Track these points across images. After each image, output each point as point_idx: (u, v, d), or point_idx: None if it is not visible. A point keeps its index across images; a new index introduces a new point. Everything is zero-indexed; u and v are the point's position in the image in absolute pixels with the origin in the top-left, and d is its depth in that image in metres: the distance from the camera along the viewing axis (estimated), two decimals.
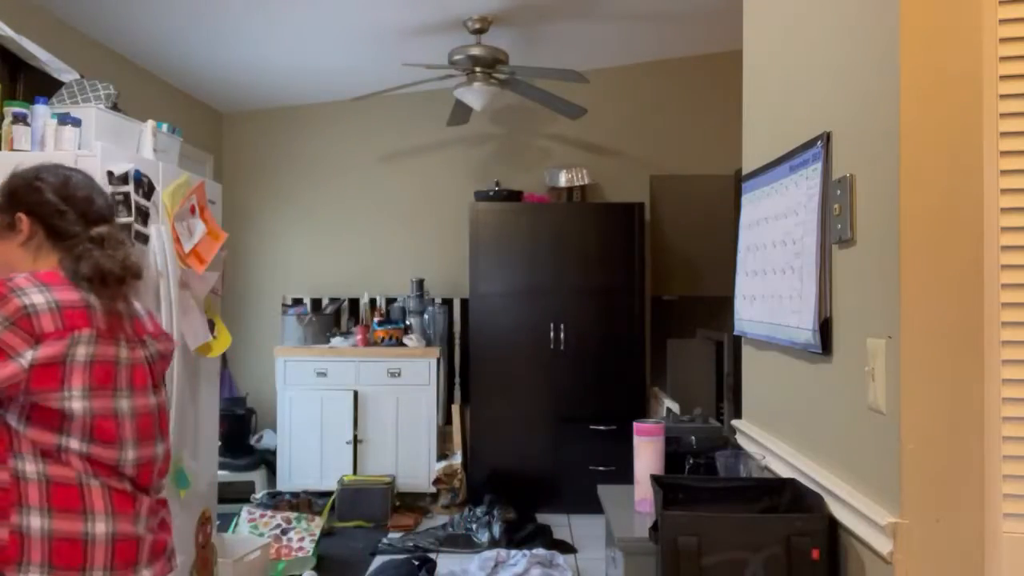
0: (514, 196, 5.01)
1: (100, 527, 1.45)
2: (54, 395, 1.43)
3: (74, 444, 1.45)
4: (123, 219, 2.41)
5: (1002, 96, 1.30)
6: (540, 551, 3.80)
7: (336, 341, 5.03)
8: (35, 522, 1.41)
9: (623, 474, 4.52)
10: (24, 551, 1.40)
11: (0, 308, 1.41)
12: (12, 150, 2.38)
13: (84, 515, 1.44)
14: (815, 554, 1.47)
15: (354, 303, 5.47)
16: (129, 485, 1.53)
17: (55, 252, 1.57)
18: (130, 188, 2.44)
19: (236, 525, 3.87)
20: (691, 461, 2.05)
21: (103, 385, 1.49)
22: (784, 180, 1.90)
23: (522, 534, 4.20)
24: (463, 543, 4.16)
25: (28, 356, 1.40)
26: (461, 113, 4.81)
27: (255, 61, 4.59)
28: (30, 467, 1.43)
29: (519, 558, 3.70)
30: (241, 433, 4.96)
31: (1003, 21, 1.30)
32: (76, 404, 1.44)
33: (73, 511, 1.43)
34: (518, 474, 4.82)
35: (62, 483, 1.43)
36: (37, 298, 1.43)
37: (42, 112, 2.46)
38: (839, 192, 1.56)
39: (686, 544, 1.49)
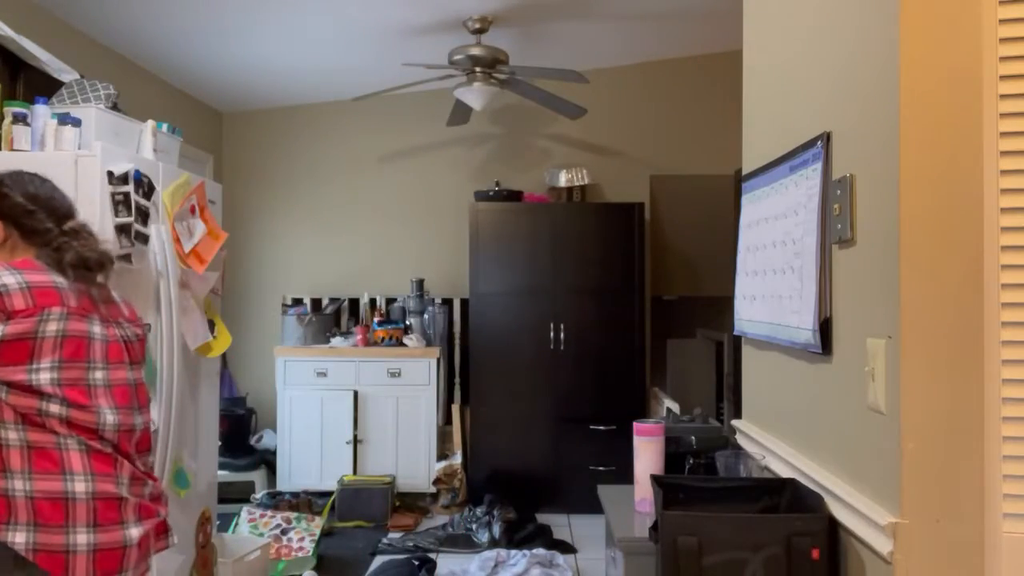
0: (514, 196, 5.01)
1: (80, 486, 1.56)
2: (22, 368, 1.54)
3: (54, 408, 1.56)
4: (123, 219, 2.42)
5: (1002, 96, 1.30)
6: (540, 551, 3.80)
7: (336, 341, 5.03)
8: (18, 484, 1.52)
9: (623, 474, 4.53)
10: (11, 511, 1.51)
11: None
12: (12, 150, 2.38)
13: (63, 475, 1.55)
14: (815, 554, 1.47)
15: (354, 303, 5.47)
16: (110, 448, 1.64)
17: (30, 249, 1.70)
18: (130, 188, 2.44)
19: (236, 525, 3.87)
20: (691, 461, 2.05)
21: (75, 358, 1.61)
22: (784, 180, 1.90)
23: (522, 534, 4.20)
24: (463, 543, 4.16)
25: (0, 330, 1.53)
26: (461, 113, 4.81)
27: (255, 61, 4.59)
28: (12, 434, 1.54)
29: (519, 558, 3.71)
30: (241, 433, 4.96)
31: (1003, 21, 1.30)
32: (43, 376, 1.56)
33: (52, 472, 1.54)
34: (518, 474, 4.82)
35: (41, 447, 1.54)
36: (8, 279, 1.56)
37: (42, 112, 2.46)
38: (839, 192, 1.56)
39: (686, 544, 1.49)
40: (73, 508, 1.54)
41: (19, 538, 1.49)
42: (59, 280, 1.64)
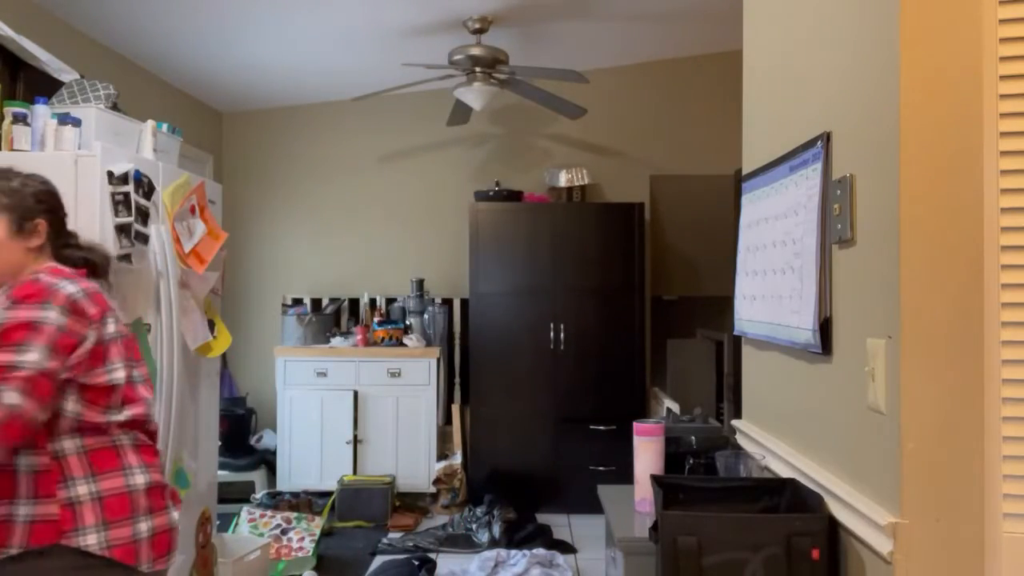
0: (514, 196, 5.01)
1: (140, 478, 1.61)
2: (101, 370, 1.58)
3: (116, 407, 1.61)
4: (123, 219, 2.42)
5: (1002, 96, 1.30)
6: (540, 551, 3.80)
7: (336, 341, 5.03)
8: (82, 489, 1.53)
9: (623, 474, 4.53)
10: (77, 518, 1.52)
11: (52, 300, 1.51)
12: (12, 150, 2.38)
13: (124, 471, 1.59)
14: (815, 554, 1.47)
15: (354, 303, 5.47)
16: (150, 439, 1.70)
17: (51, 252, 1.70)
18: (130, 188, 2.44)
19: (236, 525, 3.87)
20: (691, 461, 2.05)
21: (127, 356, 1.66)
22: (784, 180, 1.90)
23: (522, 534, 4.20)
24: (463, 543, 4.16)
25: (92, 338, 1.56)
26: (461, 113, 4.81)
27: (255, 61, 4.59)
28: (68, 444, 1.55)
29: (519, 558, 3.71)
30: (241, 433, 4.96)
31: (1003, 21, 1.30)
32: (117, 375, 1.60)
33: (115, 470, 1.57)
34: (518, 474, 4.82)
35: (99, 448, 1.57)
36: (72, 288, 1.57)
37: (42, 112, 2.46)
38: (839, 192, 1.56)
39: (686, 544, 1.49)
40: (136, 500, 1.59)
41: (91, 540, 1.52)
42: (97, 284, 1.68)
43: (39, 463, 1.52)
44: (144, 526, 1.60)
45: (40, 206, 1.67)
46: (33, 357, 1.45)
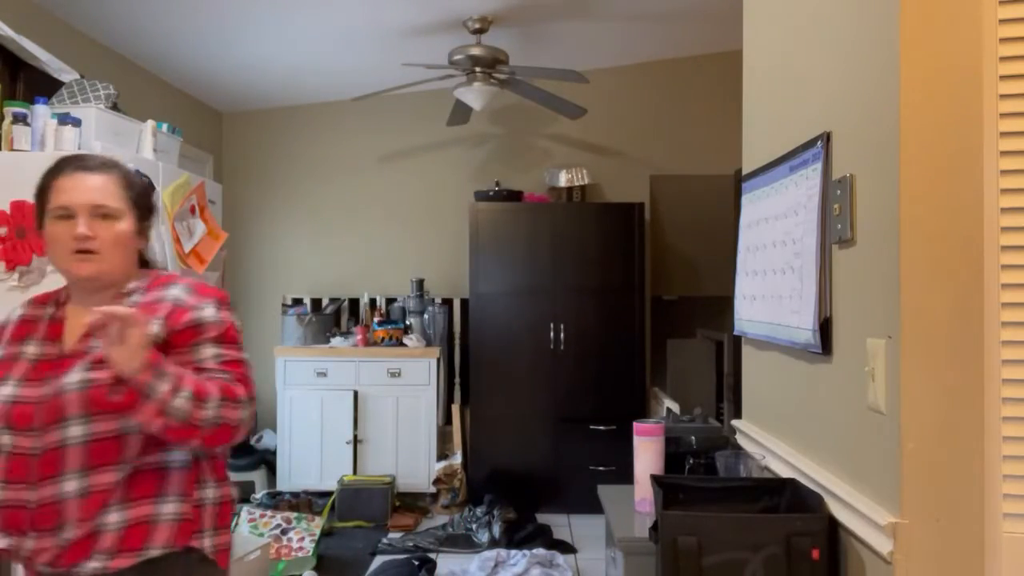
0: (514, 196, 5.01)
1: (234, 490, 1.64)
2: None
3: None
4: None
5: (1002, 96, 1.30)
6: (540, 551, 3.80)
7: (336, 341, 5.03)
8: (209, 493, 1.56)
9: (623, 474, 4.52)
10: (202, 519, 1.54)
11: (228, 302, 1.57)
12: (12, 150, 2.39)
13: (228, 482, 1.62)
14: (815, 554, 1.47)
15: (354, 303, 5.47)
16: None
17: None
18: None
19: (236, 525, 3.87)
20: (691, 461, 2.06)
21: None
22: (784, 180, 1.90)
23: (522, 534, 4.20)
24: (463, 543, 4.16)
25: None
26: (461, 113, 4.81)
27: (255, 61, 4.59)
28: None
29: (519, 558, 3.71)
30: None
31: (1003, 21, 1.30)
32: None
33: (225, 480, 1.61)
34: (518, 474, 4.82)
35: (213, 456, 1.59)
36: None
37: (42, 112, 2.46)
38: (839, 192, 1.56)
39: (686, 544, 1.49)
40: (231, 510, 1.62)
41: (207, 543, 1.54)
42: None
43: (189, 460, 1.52)
44: (232, 535, 1.65)
45: (152, 208, 1.62)
46: (246, 356, 1.57)
